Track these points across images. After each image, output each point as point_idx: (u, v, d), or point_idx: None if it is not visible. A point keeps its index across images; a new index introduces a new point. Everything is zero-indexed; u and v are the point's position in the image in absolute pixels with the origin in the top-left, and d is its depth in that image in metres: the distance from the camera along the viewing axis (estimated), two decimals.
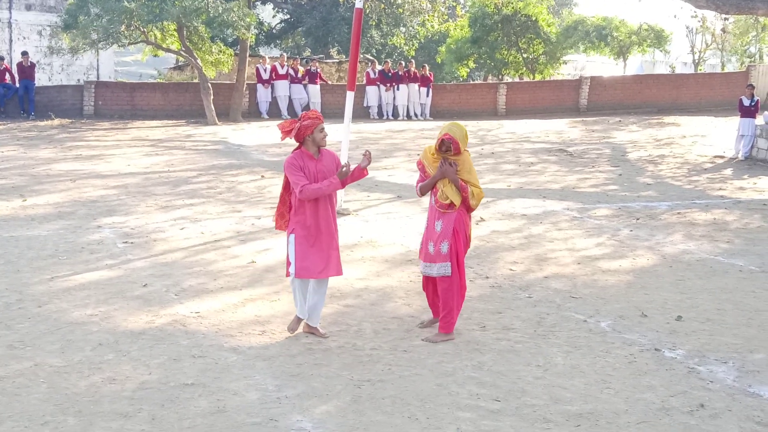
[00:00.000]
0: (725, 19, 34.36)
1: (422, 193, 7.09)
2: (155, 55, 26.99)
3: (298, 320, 6.96)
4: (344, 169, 6.77)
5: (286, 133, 6.67)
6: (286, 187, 6.83)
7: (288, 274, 6.90)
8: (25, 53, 24.06)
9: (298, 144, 6.77)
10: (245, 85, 25.26)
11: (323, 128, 6.72)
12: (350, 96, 12.33)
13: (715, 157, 19.20)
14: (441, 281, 6.92)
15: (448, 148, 6.85)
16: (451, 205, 6.88)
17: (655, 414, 5.57)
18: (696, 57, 41.56)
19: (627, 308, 7.97)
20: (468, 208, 6.99)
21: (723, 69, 43.49)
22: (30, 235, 10.26)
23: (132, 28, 22.53)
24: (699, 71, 40.17)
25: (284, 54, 29.72)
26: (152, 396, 5.62)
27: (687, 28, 40.97)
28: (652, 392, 5.95)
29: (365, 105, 26.63)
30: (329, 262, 6.79)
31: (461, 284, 7.01)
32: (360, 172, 6.89)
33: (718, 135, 22.22)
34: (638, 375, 6.28)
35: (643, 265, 9.67)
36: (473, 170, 6.97)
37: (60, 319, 7.18)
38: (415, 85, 27.16)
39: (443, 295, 6.94)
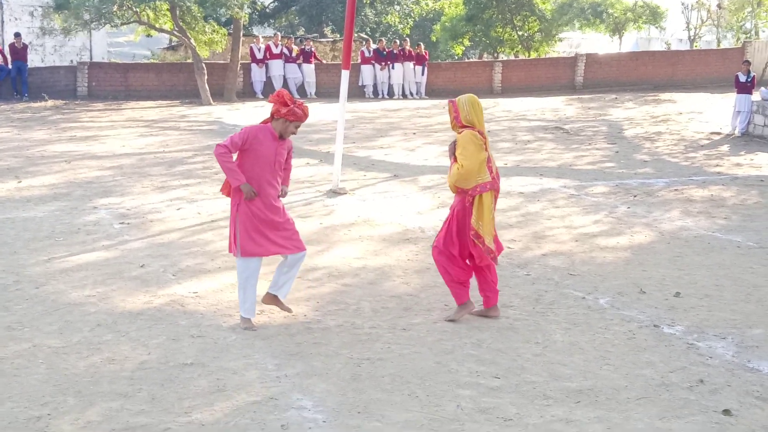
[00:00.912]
0: None
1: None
2: (148, 36, 26.87)
3: (248, 321, 6.61)
4: (283, 192, 6.71)
5: (282, 103, 6.42)
6: (239, 161, 6.55)
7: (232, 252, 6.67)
8: (17, 35, 23.90)
9: (268, 117, 6.57)
10: (239, 65, 25.14)
11: (299, 126, 6.56)
12: (345, 75, 12.28)
13: (712, 133, 19.19)
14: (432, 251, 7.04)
15: (453, 117, 6.80)
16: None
17: (654, 390, 5.58)
18: (692, 33, 41.43)
19: (625, 285, 7.97)
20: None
21: (719, 45, 43.35)
22: (26, 217, 10.23)
23: (124, 8, 22.38)
24: (695, 48, 40.05)
25: (278, 33, 29.56)
26: (151, 376, 5.61)
27: (682, 4, 40.84)
28: (651, 368, 5.96)
29: (360, 84, 26.53)
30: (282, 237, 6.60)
31: (450, 261, 6.85)
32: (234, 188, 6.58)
33: (715, 111, 22.21)
34: (637, 351, 6.29)
35: (640, 242, 9.67)
36: (465, 147, 6.67)
37: (58, 300, 7.16)
38: (410, 64, 27.06)
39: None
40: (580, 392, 5.51)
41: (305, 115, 6.52)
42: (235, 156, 6.54)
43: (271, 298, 6.81)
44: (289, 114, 6.43)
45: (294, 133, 6.59)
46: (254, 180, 6.46)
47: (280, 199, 6.69)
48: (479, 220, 6.70)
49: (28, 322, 6.62)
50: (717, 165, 15.36)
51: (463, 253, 6.84)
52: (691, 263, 8.81)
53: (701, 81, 29.60)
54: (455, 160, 6.73)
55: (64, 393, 5.30)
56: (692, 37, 41.29)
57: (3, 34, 30.57)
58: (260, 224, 6.48)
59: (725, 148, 17.47)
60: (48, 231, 9.58)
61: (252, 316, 6.64)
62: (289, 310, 6.86)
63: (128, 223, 10.03)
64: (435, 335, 6.54)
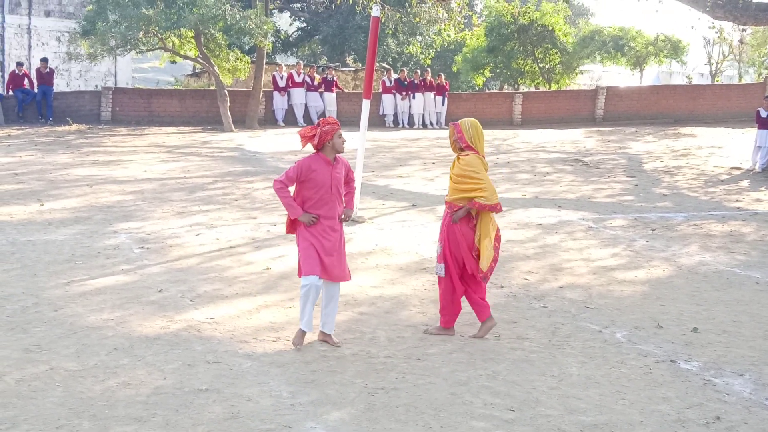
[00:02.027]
0: (743, 30, 34.23)
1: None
2: (172, 62, 27.18)
3: (303, 333, 6.86)
4: (345, 215, 6.98)
5: (308, 138, 6.74)
6: (298, 190, 6.86)
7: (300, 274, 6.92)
8: (44, 59, 24.23)
9: (315, 150, 6.83)
10: (261, 93, 25.35)
11: (341, 134, 6.83)
12: (366, 104, 12.36)
13: (732, 168, 19.10)
14: (438, 279, 7.28)
15: (454, 136, 7.13)
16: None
17: (670, 426, 5.54)
18: (713, 68, 41.44)
19: (642, 319, 7.94)
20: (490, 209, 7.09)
21: (740, 80, 43.30)
22: (47, 240, 10.32)
23: (150, 34, 22.67)
24: (716, 82, 40.01)
25: (301, 62, 29.86)
26: (167, 401, 5.63)
27: (704, 39, 40.90)
28: (667, 404, 5.92)
29: (381, 113, 26.66)
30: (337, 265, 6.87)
31: (453, 286, 7.18)
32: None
33: (735, 146, 22.12)
34: (653, 386, 6.25)
35: (658, 276, 9.63)
36: (476, 168, 7.04)
37: (76, 324, 7.21)
38: (431, 94, 27.17)
39: (440, 293, 7.31)
40: (594, 427, 5.48)
41: (336, 123, 6.81)
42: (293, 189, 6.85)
43: (323, 335, 6.99)
44: (324, 135, 6.69)
45: (344, 141, 6.83)
46: (316, 207, 6.76)
47: (346, 221, 7.01)
48: (483, 239, 7.08)
49: (46, 344, 6.67)
50: (737, 200, 15.29)
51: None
52: (709, 298, 8.76)
53: (722, 116, 29.50)
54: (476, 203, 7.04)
55: (80, 416, 5.33)
56: (714, 72, 41.28)
57: (30, 59, 31.04)
58: (318, 247, 6.72)
59: (745, 183, 17.39)
60: (68, 254, 9.66)
61: (308, 329, 6.83)
62: (337, 345, 6.91)
63: (148, 248, 10.10)
64: (450, 366, 6.53)
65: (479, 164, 7.07)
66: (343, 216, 6.94)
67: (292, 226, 6.92)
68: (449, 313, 7.26)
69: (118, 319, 7.38)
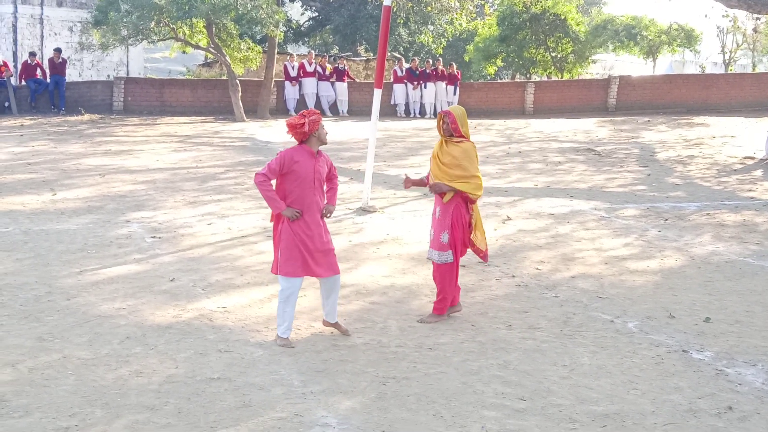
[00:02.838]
0: (757, 18, 33.99)
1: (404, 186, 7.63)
2: (184, 52, 27.17)
3: (286, 339, 6.67)
4: (327, 211, 6.83)
5: (298, 127, 6.54)
6: (279, 183, 6.67)
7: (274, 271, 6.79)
8: (58, 50, 24.27)
9: (299, 142, 6.68)
10: (273, 83, 25.34)
11: (323, 125, 6.73)
12: (377, 94, 12.34)
13: (745, 158, 18.99)
14: (440, 266, 7.25)
15: (447, 125, 7.21)
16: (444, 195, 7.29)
17: (682, 416, 5.53)
18: (726, 57, 41.18)
19: (654, 309, 7.91)
20: (471, 201, 7.33)
21: (754, 69, 43.04)
22: (59, 229, 10.37)
23: (161, 24, 22.68)
24: (729, 71, 39.78)
25: (312, 51, 29.84)
26: (179, 389, 5.65)
27: (718, 27, 40.62)
28: (679, 394, 5.90)
29: (392, 103, 26.63)
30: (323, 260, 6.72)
31: (456, 273, 7.36)
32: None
33: (749, 136, 21.99)
34: (665, 376, 6.23)
35: (671, 266, 9.60)
36: (471, 158, 7.24)
37: (88, 312, 7.24)
38: (443, 84, 27.10)
39: (439, 280, 7.30)
40: (606, 416, 5.47)
41: (319, 114, 6.71)
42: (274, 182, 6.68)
43: (327, 323, 6.95)
44: (312, 125, 6.58)
45: (326, 134, 6.73)
46: (298, 201, 6.60)
47: (327, 217, 6.83)
48: (476, 229, 7.35)
49: (59, 333, 6.71)
50: (750, 190, 15.20)
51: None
52: (721, 288, 8.72)
53: (735, 105, 29.33)
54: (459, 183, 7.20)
55: (92, 405, 5.36)
56: (727, 61, 41.02)
57: (43, 48, 31.10)
58: (300, 245, 6.56)
59: (759, 173, 17.28)
60: (81, 243, 9.70)
61: (287, 335, 6.66)
62: (346, 332, 6.90)
63: (159, 237, 10.13)
64: (461, 355, 6.53)
65: (474, 155, 7.26)
66: (324, 212, 6.76)
67: (276, 217, 6.76)
68: (446, 299, 7.32)
69: (130, 308, 7.41)
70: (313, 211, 6.63)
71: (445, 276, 7.28)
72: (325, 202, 6.81)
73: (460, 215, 7.26)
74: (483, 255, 7.52)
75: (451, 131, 7.22)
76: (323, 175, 6.75)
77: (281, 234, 6.63)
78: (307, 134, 6.59)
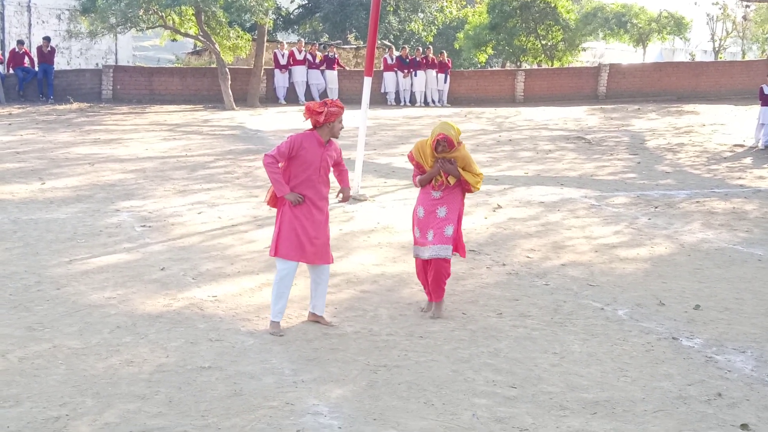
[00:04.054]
0: (746, 6, 34.07)
1: (421, 186, 7.30)
2: (173, 40, 27.04)
3: (278, 324, 6.71)
4: (344, 194, 7.02)
5: (315, 113, 6.61)
6: (286, 166, 6.74)
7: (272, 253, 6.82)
8: (46, 38, 24.12)
9: (312, 127, 6.76)
10: (263, 71, 25.24)
11: (342, 120, 6.77)
12: (368, 82, 12.32)
13: (735, 145, 19.05)
14: (439, 261, 7.08)
15: (443, 147, 7.07)
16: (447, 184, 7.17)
17: (672, 402, 5.55)
18: (716, 45, 41.23)
19: (644, 296, 7.94)
20: (469, 191, 7.30)
21: (744, 57, 43.11)
22: (49, 218, 10.32)
23: (150, 12, 22.57)
24: (719, 59, 39.83)
25: (302, 39, 29.76)
26: (169, 379, 5.65)
27: (707, 15, 40.69)
28: (669, 381, 5.93)
29: (383, 91, 26.56)
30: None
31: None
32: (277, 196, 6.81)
33: (738, 123, 22.04)
34: (655, 363, 6.26)
35: (661, 254, 9.63)
36: (470, 159, 7.19)
37: (78, 302, 7.22)
38: (433, 72, 27.03)
39: (438, 274, 7.11)
40: (596, 403, 5.49)
41: (342, 107, 6.75)
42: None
43: (312, 316, 6.94)
44: (329, 116, 6.62)
45: (342, 128, 6.79)
46: (302, 186, 6.66)
47: (345, 201, 7.03)
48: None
49: (49, 323, 6.69)
50: (739, 177, 15.25)
51: None
52: (711, 276, 8.76)
53: (725, 93, 29.38)
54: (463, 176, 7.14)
55: (83, 394, 5.35)
56: (717, 49, 41.09)
57: (30, 37, 30.92)
58: (299, 229, 6.62)
59: (748, 160, 17.34)
60: (70, 233, 9.67)
61: (278, 319, 6.69)
62: (329, 324, 6.88)
63: (149, 226, 10.10)
64: (452, 343, 6.55)
65: (470, 156, 7.23)
66: (341, 195, 6.93)
67: (275, 200, 6.82)
68: (443, 287, 7.26)
69: (120, 297, 7.39)
70: (316, 198, 6.70)
71: (445, 268, 7.13)
72: (329, 187, 6.86)
73: (462, 206, 7.29)
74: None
75: (449, 150, 7.10)
76: (329, 165, 6.81)
77: (282, 217, 6.69)
78: (321, 122, 6.65)
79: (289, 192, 6.62)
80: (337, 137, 6.81)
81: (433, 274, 7.12)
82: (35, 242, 9.19)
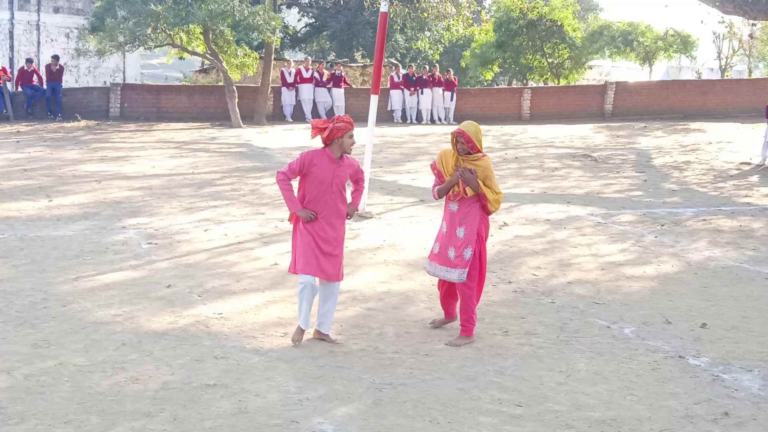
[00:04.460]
0: (753, 24, 34.11)
1: (439, 196, 7.14)
2: (181, 58, 27.18)
3: (301, 331, 6.80)
4: (351, 210, 6.93)
5: (319, 130, 6.65)
6: (299, 184, 6.79)
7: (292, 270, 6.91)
8: (55, 57, 24.28)
9: (323, 145, 6.77)
10: (270, 89, 25.35)
11: (353, 134, 6.73)
12: (374, 100, 12.35)
13: (742, 163, 19.02)
14: (462, 286, 6.93)
15: (462, 145, 6.84)
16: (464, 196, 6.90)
17: (678, 421, 5.52)
18: (723, 63, 41.24)
19: (651, 315, 7.91)
20: (486, 212, 7.00)
21: (750, 75, 43.09)
22: (55, 235, 10.35)
23: (158, 30, 22.71)
24: (726, 77, 39.83)
25: (309, 57, 29.89)
26: (174, 396, 5.64)
27: (714, 33, 40.70)
28: (675, 399, 5.90)
29: (389, 109, 26.64)
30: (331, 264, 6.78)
31: (481, 288, 7.12)
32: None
33: (745, 141, 22.03)
34: (662, 382, 6.23)
35: (667, 272, 9.60)
36: (492, 173, 6.92)
37: (84, 319, 7.22)
38: (439, 90, 27.14)
39: (463, 300, 6.96)
40: (603, 422, 5.47)
41: (350, 123, 6.72)
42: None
43: (318, 334, 6.90)
44: (335, 132, 6.60)
45: (353, 143, 6.76)
46: (314, 203, 6.69)
47: (348, 218, 6.93)
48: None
49: (55, 339, 6.69)
50: (746, 195, 15.22)
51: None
52: (718, 294, 8.73)
53: (732, 111, 29.39)
54: (479, 186, 6.84)
55: (88, 411, 5.34)
56: (723, 67, 41.10)
57: (39, 55, 31.11)
58: (314, 245, 6.65)
59: (755, 178, 17.31)
60: (77, 250, 9.69)
61: (305, 327, 6.76)
62: (335, 342, 6.84)
63: (156, 244, 10.12)
64: (458, 361, 6.53)
65: (492, 170, 6.94)
66: (348, 212, 6.89)
67: (293, 217, 6.88)
68: (472, 318, 6.97)
69: (126, 314, 7.40)
70: (329, 214, 6.70)
71: (470, 295, 6.92)
72: (349, 201, 6.93)
73: (485, 228, 7.03)
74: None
75: (468, 150, 6.84)
76: (343, 181, 6.78)
77: (299, 234, 6.74)
78: (328, 139, 6.64)
79: (301, 208, 6.67)
80: (349, 153, 6.78)
81: (460, 300, 7.00)
82: (42, 259, 9.21)
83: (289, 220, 6.99)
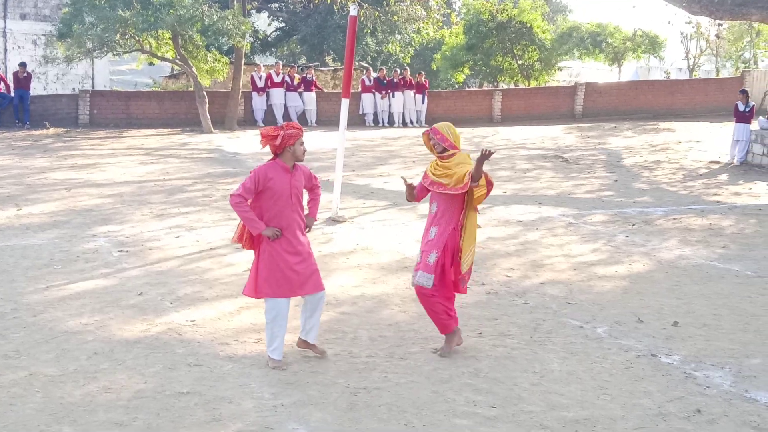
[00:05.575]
0: (719, 24, 34.50)
1: (411, 198, 6.92)
2: (150, 64, 27.06)
3: (277, 361, 6.40)
4: (310, 222, 6.60)
5: (269, 138, 6.31)
6: (254, 201, 6.39)
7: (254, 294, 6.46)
8: (23, 64, 24.04)
9: (273, 155, 6.44)
10: (240, 93, 25.27)
11: (303, 142, 6.43)
12: (345, 103, 12.34)
13: (711, 162, 19.23)
14: (421, 290, 6.67)
15: (437, 143, 6.68)
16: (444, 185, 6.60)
17: (651, 419, 5.56)
18: (691, 63, 41.62)
19: (623, 314, 7.97)
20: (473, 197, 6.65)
21: (718, 74, 43.57)
22: (25, 244, 10.24)
23: (127, 36, 22.54)
24: (694, 77, 40.23)
25: (279, 62, 29.79)
26: (148, 405, 5.60)
27: (681, 34, 41.02)
28: (648, 398, 5.94)
29: (361, 112, 26.65)
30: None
31: (447, 295, 6.76)
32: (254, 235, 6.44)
33: (714, 140, 22.28)
34: (635, 381, 6.28)
35: (639, 271, 9.67)
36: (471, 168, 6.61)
37: (55, 329, 7.15)
38: (411, 92, 27.19)
39: (425, 305, 6.74)
40: (577, 422, 5.49)
41: (300, 129, 6.42)
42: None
43: (303, 343, 6.65)
44: (287, 139, 6.29)
45: (305, 151, 6.43)
46: (276, 218, 6.32)
47: (308, 231, 6.57)
48: (468, 241, 6.68)
49: (25, 350, 6.62)
50: (716, 194, 15.38)
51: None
52: (689, 292, 8.80)
53: (700, 110, 29.71)
54: (470, 179, 6.51)
55: (60, 422, 5.29)
56: (691, 67, 41.50)
57: (6, 62, 30.76)
58: (283, 264, 6.31)
59: (724, 177, 17.51)
60: (47, 259, 9.59)
61: (279, 357, 6.40)
62: (323, 353, 6.64)
63: (127, 251, 10.04)
64: (432, 364, 6.53)
65: (470, 162, 6.66)
66: (306, 224, 6.54)
67: (251, 242, 6.44)
68: (443, 318, 6.74)
69: (97, 323, 7.33)
70: (293, 228, 6.37)
71: (427, 301, 6.67)
72: (305, 213, 6.60)
73: (455, 240, 6.66)
74: (461, 277, 6.76)
75: (444, 147, 6.68)
76: (300, 191, 6.49)
77: (261, 255, 6.36)
78: (280, 147, 6.31)
79: (265, 227, 6.28)
80: (301, 161, 6.46)
81: (421, 302, 6.76)
82: (11, 269, 9.11)
83: (243, 245, 6.50)
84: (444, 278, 6.67)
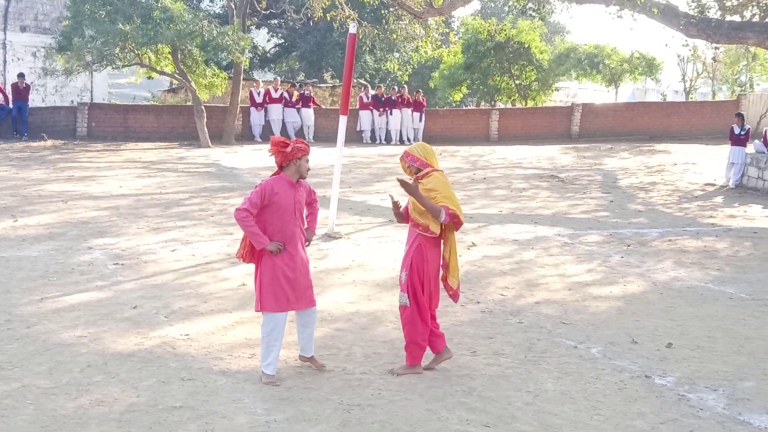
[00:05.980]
0: (716, 48, 34.65)
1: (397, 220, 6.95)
2: (149, 78, 27.08)
3: (270, 376, 6.39)
4: (309, 236, 6.66)
5: (280, 145, 6.37)
6: (258, 215, 6.40)
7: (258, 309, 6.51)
8: (21, 75, 24.08)
9: (277, 169, 6.51)
10: (239, 109, 25.33)
11: (308, 159, 6.53)
12: (343, 120, 12.38)
13: (706, 184, 19.29)
14: (401, 310, 6.70)
15: (410, 165, 6.70)
16: (425, 227, 6.59)
17: None
18: (687, 85, 41.79)
19: (617, 335, 7.97)
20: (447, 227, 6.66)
21: (714, 97, 43.75)
22: (20, 256, 10.23)
23: (126, 50, 22.61)
24: (690, 99, 40.39)
25: (278, 78, 29.90)
26: (140, 419, 5.58)
27: (678, 56, 41.18)
28: (642, 419, 5.94)
29: (358, 129, 26.72)
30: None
31: (420, 318, 6.65)
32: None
33: (709, 163, 22.35)
34: (628, 402, 6.27)
35: (633, 292, 9.68)
36: (448, 186, 6.65)
37: (49, 341, 7.14)
38: (408, 110, 27.27)
39: (403, 325, 6.72)
40: None
41: (308, 146, 6.53)
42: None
43: (303, 358, 6.73)
44: (295, 152, 6.38)
45: (309, 169, 6.52)
46: (278, 233, 6.37)
47: (307, 245, 6.64)
48: (452, 255, 6.71)
49: (18, 362, 6.60)
50: (711, 216, 15.42)
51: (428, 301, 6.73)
52: (683, 314, 8.81)
53: (696, 132, 29.82)
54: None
55: None
56: (688, 89, 41.67)
57: (5, 74, 30.81)
58: (282, 278, 6.36)
59: (719, 199, 17.55)
60: (42, 270, 9.58)
61: (273, 372, 6.38)
62: (322, 367, 6.67)
63: (122, 264, 10.03)
64: (426, 382, 6.52)
65: (446, 183, 6.63)
66: (306, 238, 6.60)
67: (251, 255, 6.53)
68: (414, 347, 6.66)
69: (91, 335, 7.32)
70: (294, 242, 6.42)
71: (407, 320, 6.62)
72: (305, 227, 6.64)
73: (422, 257, 6.57)
74: (453, 294, 6.83)
75: (418, 168, 6.69)
76: (303, 205, 6.57)
77: (263, 268, 6.41)
78: (287, 157, 6.37)
79: (269, 242, 6.32)
80: (305, 177, 6.55)
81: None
82: (6, 280, 9.09)
83: (245, 259, 6.57)
84: (416, 296, 6.62)
